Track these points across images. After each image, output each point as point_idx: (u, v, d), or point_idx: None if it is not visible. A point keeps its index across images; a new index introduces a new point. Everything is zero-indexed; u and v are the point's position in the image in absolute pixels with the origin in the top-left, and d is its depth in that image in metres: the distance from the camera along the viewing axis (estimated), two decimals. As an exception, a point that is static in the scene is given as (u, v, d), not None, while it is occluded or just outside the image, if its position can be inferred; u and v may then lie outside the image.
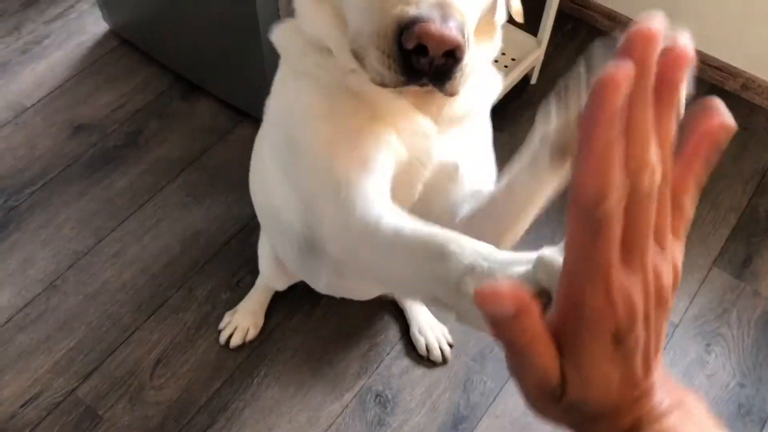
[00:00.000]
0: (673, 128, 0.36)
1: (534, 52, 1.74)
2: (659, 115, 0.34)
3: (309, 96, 0.70)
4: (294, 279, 1.29)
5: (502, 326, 0.35)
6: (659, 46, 0.33)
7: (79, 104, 1.76)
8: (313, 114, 0.69)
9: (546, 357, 0.36)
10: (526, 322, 0.35)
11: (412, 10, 0.54)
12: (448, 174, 0.73)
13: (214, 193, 1.62)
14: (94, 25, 1.92)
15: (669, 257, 0.37)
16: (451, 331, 1.42)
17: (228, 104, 1.75)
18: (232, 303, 1.45)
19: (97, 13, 1.91)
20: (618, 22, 1.89)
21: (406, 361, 1.41)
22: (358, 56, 0.59)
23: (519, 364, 0.38)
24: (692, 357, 1.43)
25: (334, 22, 0.66)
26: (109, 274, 1.49)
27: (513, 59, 1.76)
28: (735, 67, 1.79)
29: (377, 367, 1.40)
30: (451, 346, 1.41)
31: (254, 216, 1.56)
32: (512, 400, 1.36)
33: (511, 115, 1.75)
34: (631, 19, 1.83)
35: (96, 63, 1.84)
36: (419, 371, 1.40)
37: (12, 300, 1.45)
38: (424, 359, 1.40)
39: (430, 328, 1.40)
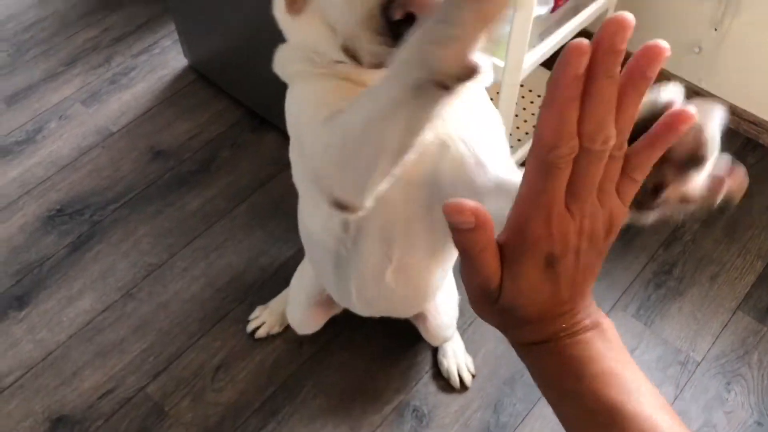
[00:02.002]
0: (635, 111, 0.40)
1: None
2: (626, 96, 0.40)
3: (306, 93, 0.73)
4: (326, 317, 1.40)
5: (461, 235, 0.43)
6: (628, 32, 0.38)
7: (158, 132, 1.95)
8: (314, 108, 0.70)
9: (491, 266, 0.44)
10: (480, 234, 0.42)
11: None
12: (459, 154, 0.71)
13: (276, 217, 1.78)
14: (175, 60, 2.12)
15: (607, 212, 0.43)
16: (484, 356, 1.54)
17: (292, 137, 1.92)
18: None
19: (178, 50, 2.12)
20: (660, 75, 2.00)
21: (442, 381, 1.53)
22: (350, 50, 0.61)
23: (469, 268, 0.45)
24: (712, 394, 1.52)
25: (320, 28, 0.67)
26: (180, 285, 1.66)
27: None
28: (769, 122, 1.89)
29: (415, 385, 1.53)
30: (473, 376, 1.52)
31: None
32: (539, 423, 1.47)
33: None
34: (672, 73, 1.95)
35: (175, 95, 2.04)
36: (452, 395, 1.52)
37: (93, 304, 1.63)
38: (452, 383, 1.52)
39: (454, 355, 1.51)
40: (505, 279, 0.44)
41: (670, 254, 1.72)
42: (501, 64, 1.43)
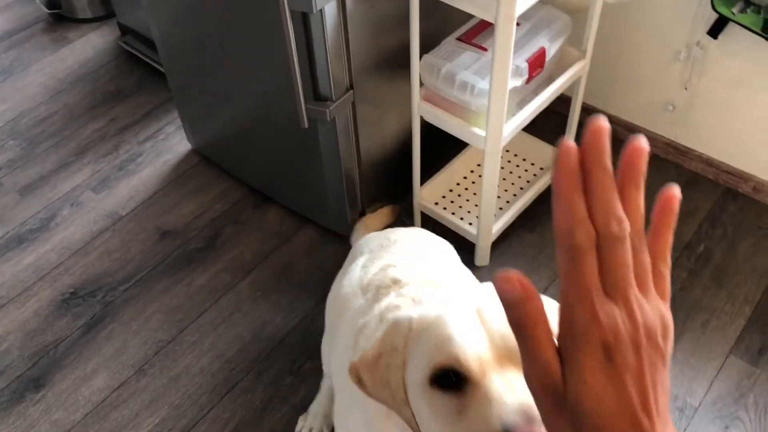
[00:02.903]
0: (640, 203, 0.43)
1: (560, 162, 1.96)
2: (626, 189, 0.43)
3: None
4: None
5: (512, 309, 0.42)
6: (606, 134, 0.43)
7: (165, 213, 2.05)
8: None
9: (547, 349, 0.42)
10: (530, 306, 0.42)
11: (499, 427, 0.59)
12: None
13: (280, 288, 1.85)
14: (179, 145, 2.24)
15: (654, 304, 0.43)
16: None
17: (293, 211, 2.02)
18: (295, 387, 1.66)
19: (182, 135, 2.24)
20: (635, 132, 2.11)
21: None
22: None
23: (526, 355, 0.43)
24: (712, 438, 1.56)
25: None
26: (189, 359, 1.72)
27: (541, 168, 1.99)
28: (746, 172, 1.97)
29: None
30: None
31: (313, 307, 1.80)
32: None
33: (540, 217, 1.96)
34: (649, 130, 2.06)
35: (180, 177, 2.15)
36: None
37: (108, 382, 1.69)
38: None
39: None
40: (566, 374, 0.42)
41: (660, 303, 1.78)
42: (482, 133, 1.53)
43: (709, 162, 2.02)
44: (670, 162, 2.10)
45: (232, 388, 1.67)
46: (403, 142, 1.86)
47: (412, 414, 0.71)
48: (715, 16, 1.70)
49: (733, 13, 1.63)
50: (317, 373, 1.62)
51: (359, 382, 0.76)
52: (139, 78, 2.49)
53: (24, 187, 2.14)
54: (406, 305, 0.83)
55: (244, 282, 1.88)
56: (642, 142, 0.44)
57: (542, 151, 1.99)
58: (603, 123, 0.43)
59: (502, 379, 0.64)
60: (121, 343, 1.76)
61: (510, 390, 0.63)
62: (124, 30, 2.57)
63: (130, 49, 2.53)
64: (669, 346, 0.43)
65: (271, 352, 1.73)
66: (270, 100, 1.74)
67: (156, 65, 2.43)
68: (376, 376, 0.73)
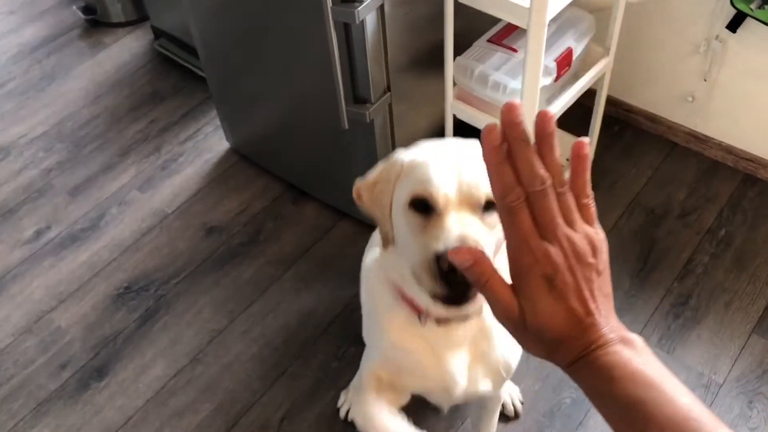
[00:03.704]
0: (555, 159, 0.54)
1: (585, 154, 2.04)
2: (542, 151, 0.54)
3: (380, 322, 1.10)
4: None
5: (468, 272, 0.56)
6: (519, 111, 0.53)
7: (209, 210, 2.16)
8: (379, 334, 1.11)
9: (503, 292, 0.55)
10: (481, 266, 0.56)
11: (441, 245, 0.80)
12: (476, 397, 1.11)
13: (321, 279, 1.96)
14: (218, 145, 2.35)
15: (581, 232, 0.54)
16: (523, 391, 1.69)
17: (329, 206, 2.12)
18: (341, 371, 1.76)
19: (220, 135, 2.34)
20: (659, 123, 2.20)
21: (486, 418, 1.68)
22: (416, 279, 0.83)
23: (490, 303, 0.56)
24: (736, 413, 1.65)
25: (399, 260, 0.96)
26: (241, 348, 1.83)
27: (567, 159, 2.07)
28: (764, 158, 2.05)
29: (462, 423, 1.67)
30: (522, 403, 1.68)
31: (353, 297, 1.90)
32: (578, 450, 1.61)
33: (568, 207, 2.05)
34: (670, 120, 2.14)
35: (221, 175, 2.25)
36: (498, 426, 1.66)
37: (165, 370, 1.80)
38: (500, 414, 1.67)
39: (505, 388, 1.67)
40: (523, 306, 0.54)
41: (684, 286, 1.87)
42: (515, 130, 1.62)
43: (729, 150, 2.10)
44: (691, 150, 2.18)
45: (282, 373, 1.78)
46: (436, 136, 1.95)
47: (391, 227, 0.93)
48: (733, 11, 1.77)
49: (751, 9, 1.70)
50: (361, 357, 1.72)
51: (358, 197, 1.00)
52: (175, 80, 2.59)
53: (73, 188, 2.25)
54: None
55: (288, 274, 1.99)
56: (548, 112, 0.54)
57: (570, 142, 2.06)
58: (514, 103, 0.53)
59: (457, 216, 0.82)
60: (175, 333, 1.87)
61: (459, 224, 0.81)
62: (158, 33, 2.67)
63: (165, 52, 2.63)
64: (601, 259, 0.55)
65: (317, 339, 1.84)
66: (308, 100, 1.83)
67: (191, 67, 2.53)
68: (372, 196, 0.97)
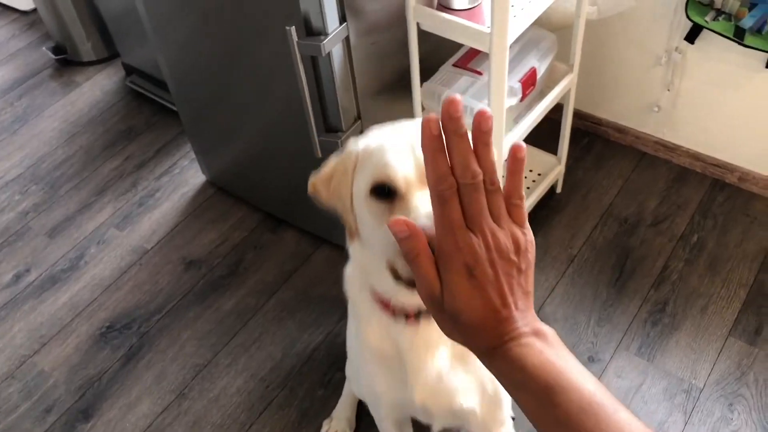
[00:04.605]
0: (490, 157, 0.56)
1: (556, 168, 2.08)
2: (477, 146, 0.56)
3: (359, 333, 1.10)
4: None
5: (402, 243, 0.57)
6: (458, 106, 0.54)
7: (188, 244, 2.17)
8: (361, 347, 1.11)
9: (429, 270, 0.57)
10: (414, 241, 0.57)
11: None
12: (462, 413, 1.10)
13: (304, 307, 1.97)
14: (194, 178, 2.36)
15: (507, 230, 0.57)
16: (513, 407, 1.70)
17: (308, 233, 2.13)
18: (327, 399, 1.77)
19: (196, 168, 2.35)
20: (627, 133, 2.24)
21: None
22: (392, 269, 0.83)
23: (416, 277, 0.58)
24: (718, 416, 1.68)
25: (366, 256, 0.96)
26: (226, 381, 1.84)
27: (539, 174, 2.11)
28: (731, 164, 2.10)
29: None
30: (513, 418, 1.69)
31: (337, 322, 1.91)
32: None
33: (542, 221, 2.09)
34: (638, 131, 2.18)
35: (198, 208, 2.27)
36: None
37: (152, 408, 1.80)
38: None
39: None
40: (443, 287, 0.57)
41: (660, 293, 1.90)
42: (484, 150, 1.65)
43: (696, 156, 2.15)
44: (660, 159, 2.22)
45: (269, 404, 1.78)
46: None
47: (354, 219, 0.92)
48: (690, 23, 1.82)
49: (706, 21, 1.75)
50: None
51: (316, 192, 1.00)
52: (148, 116, 2.60)
53: (51, 229, 2.25)
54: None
55: (269, 303, 2.00)
56: (486, 111, 0.56)
57: (539, 158, 2.11)
58: (454, 97, 0.55)
59: (421, 195, 0.81)
60: (160, 370, 1.87)
61: (425, 203, 0.80)
62: (129, 70, 2.68)
63: (136, 88, 2.64)
64: (524, 258, 0.58)
65: (301, 368, 1.84)
66: (280, 130, 1.85)
67: (163, 102, 2.55)
68: (330, 189, 0.97)
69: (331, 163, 0.99)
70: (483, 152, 0.56)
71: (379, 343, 1.09)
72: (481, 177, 0.56)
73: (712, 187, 2.14)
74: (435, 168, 0.56)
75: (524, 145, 0.59)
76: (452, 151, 0.55)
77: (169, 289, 2.06)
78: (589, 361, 1.76)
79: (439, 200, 0.56)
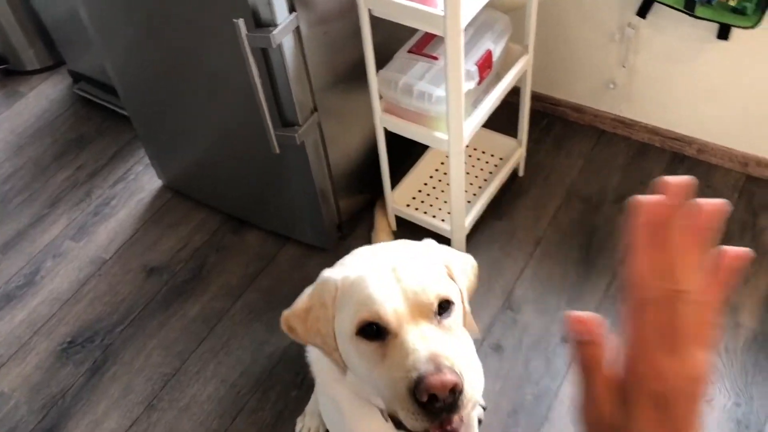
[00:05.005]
0: (708, 263, 0.44)
1: (517, 151, 2.07)
2: (702, 246, 0.44)
3: (349, 426, 1.01)
4: None
5: (580, 348, 0.45)
6: (688, 190, 0.45)
7: (148, 251, 2.11)
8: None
9: (603, 389, 0.44)
10: (596, 350, 0.44)
11: (413, 374, 0.73)
12: None
13: (271, 307, 1.93)
14: (150, 183, 2.29)
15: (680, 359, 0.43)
16: (484, 394, 1.69)
17: (271, 232, 2.09)
18: (300, 399, 1.73)
19: (151, 173, 2.29)
20: (585, 112, 2.24)
21: (452, 426, 1.67)
22: (392, 415, 0.78)
23: (585, 390, 0.45)
24: (692, 387, 1.68)
25: (363, 385, 0.89)
26: (196, 388, 1.79)
27: (500, 159, 2.10)
28: (689, 136, 2.12)
29: None
30: (484, 408, 1.67)
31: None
32: (545, 445, 1.61)
33: (507, 204, 2.07)
34: (595, 109, 2.18)
35: (156, 214, 2.20)
36: None
37: (120, 422, 1.74)
38: (466, 421, 1.66)
39: None
40: (626, 416, 0.44)
41: (628, 270, 1.90)
42: (444, 136, 1.63)
43: (655, 131, 2.16)
44: (619, 136, 2.23)
45: (241, 409, 1.74)
46: (369, 150, 1.95)
47: (339, 355, 0.84)
48: (641, -2, 1.83)
49: (657, -5, 1.76)
50: (321, 382, 1.70)
51: (290, 330, 0.92)
52: (98, 122, 2.53)
53: (3, 245, 2.16)
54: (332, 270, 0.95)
55: (236, 306, 1.95)
56: (723, 206, 0.44)
57: (500, 142, 2.10)
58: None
59: (416, 331, 0.76)
60: (126, 382, 1.81)
61: (422, 340, 0.75)
62: (76, 77, 2.60)
63: (85, 95, 2.56)
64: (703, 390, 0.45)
65: (272, 370, 1.80)
66: (236, 128, 1.81)
67: (113, 107, 2.47)
68: (307, 325, 0.88)
69: (305, 296, 0.92)
70: (701, 257, 0.44)
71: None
72: (695, 286, 0.44)
73: (672, 161, 2.15)
74: (644, 267, 0.44)
75: (745, 252, 0.45)
76: (669, 248, 0.44)
77: (132, 298, 1.99)
78: (563, 341, 1.76)
79: (638, 307, 0.44)
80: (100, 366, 1.85)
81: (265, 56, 1.52)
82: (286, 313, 0.93)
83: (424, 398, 0.72)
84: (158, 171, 2.25)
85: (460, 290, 0.90)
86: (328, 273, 0.89)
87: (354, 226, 2.07)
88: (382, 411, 0.95)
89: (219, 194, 2.13)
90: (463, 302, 0.91)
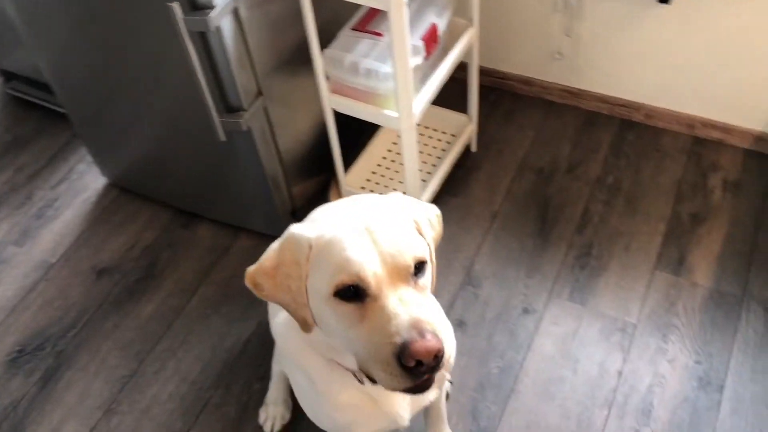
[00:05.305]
0: None
1: (468, 126, 2.06)
2: None
3: (318, 389, 1.00)
4: None
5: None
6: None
7: (96, 251, 2.03)
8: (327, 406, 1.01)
9: None
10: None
11: (397, 339, 0.74)
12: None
13: (229, 300, 1.88)
14: (94, 182, 2.21)
15: None
16: (452, 370, 1.68)
17: (223, 223, 2.04)
18: (264, 391, 1.70)
19: (95, 171, 2.21)
20: (533, 84, 2.24)
21: (420, 406, 1.65)
22: (366, 373, 0.78)
23: None
24: (654, 348, 1.70)
25: (331, 343, 0.88)
26: (156, 389, 1.73)
27: (453, 135, 2.09)
28: (637, 102, 2.13)
29: (397, 416, 1.64)
30: (451, 383, 1.67)
31: (265, 311, 1.84)
32: (515, 418, 1.61)
33: (461, 181, 2.06)
34: (543, 80, 2.18)
35: (103, 213, 2.13)
36: (433, 411, 1.64)
37: (78, 429, 1.68)
38: (434, 400, 1.65)
39: None
40: None
41: (584, 237, 1.91)
42: (395, 114, 1.60)
43: (603, 99, 2.17)
44: (568, 106, 2.23)
45: (205, 406, 1.70)
46: (319, 133, 1.91)
47: (310, 313, 0.84)
48: (582, -35, 1.82)
49: (597, -40, 1.75)
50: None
51: (255, 286, 0.89)
52: (35, 122, 2.43)
53: (-59, 255, 2.07)
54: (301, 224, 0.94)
55: (192, 302, 1.90)
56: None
57: (450, 118, 2.08)
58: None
59: (395, 295, 0.76)
60: (82, 388, 1.75)
61: (402, 304, 0.75)
62: (8, 76, 2.49)
63: (18, 95, 2.46)
64: None
65: (234, 363, 1.76)
66: (180, 118, 1.75)
67: (51, 106, 2.38)
68: (276, 281, 0.86)
69: (272, 251, 0.90)
70: None
71: (349, 399, 1.01)
72: None
73: (621, 127, 2.17)
74: None
75: None
76: None
77: (82, 301, 1.92)
78: (524, 312, 1.76)
79: None
80: (52, 373, 1.78)
81: (204, 41, 1.46)
82: (251, 269, 0.89)
83: (411, 364, 0.73)
84: (102, 169, 2.17)
85: (428, 245, 0.90)
86: (298, 230, 0.88)
87: (309, 212, 2.03)
88: (354, 373, 0.94)
89: (167, 188, 2.06)
90: (431, 258, 0.91)
